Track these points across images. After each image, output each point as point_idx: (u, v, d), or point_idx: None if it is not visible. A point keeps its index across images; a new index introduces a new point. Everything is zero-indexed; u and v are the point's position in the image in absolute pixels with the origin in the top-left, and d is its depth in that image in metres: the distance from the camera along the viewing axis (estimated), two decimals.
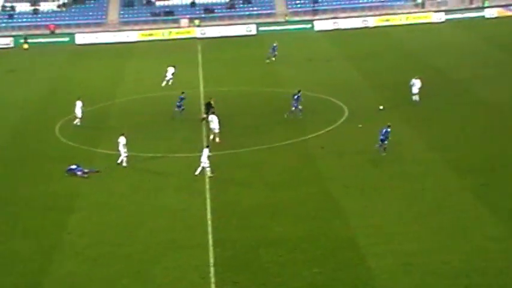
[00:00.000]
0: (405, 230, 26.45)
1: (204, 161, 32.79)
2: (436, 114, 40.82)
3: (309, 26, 76.64)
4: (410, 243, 25.41)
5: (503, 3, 77.38)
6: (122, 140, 35.09)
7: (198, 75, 55.10)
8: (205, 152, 32.99)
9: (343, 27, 75.73)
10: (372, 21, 76.36)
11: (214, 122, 38.17)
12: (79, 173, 33.93)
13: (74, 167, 34.23)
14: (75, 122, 42.80)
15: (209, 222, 28.26)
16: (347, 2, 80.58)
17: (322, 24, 76.63)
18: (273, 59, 58.78)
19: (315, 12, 79.57)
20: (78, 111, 42.45)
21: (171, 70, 51.78)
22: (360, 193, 30.34)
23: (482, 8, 77.20)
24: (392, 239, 25.79)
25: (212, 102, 41.14)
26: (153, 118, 44.11)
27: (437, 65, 53.45)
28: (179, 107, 42.85)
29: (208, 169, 32.90)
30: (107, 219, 29.15)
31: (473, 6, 78.28)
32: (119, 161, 35.21)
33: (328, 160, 34.82)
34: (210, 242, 26.48)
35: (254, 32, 75.89)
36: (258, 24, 76.83)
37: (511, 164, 32.16)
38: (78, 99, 42.99)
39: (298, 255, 25.05)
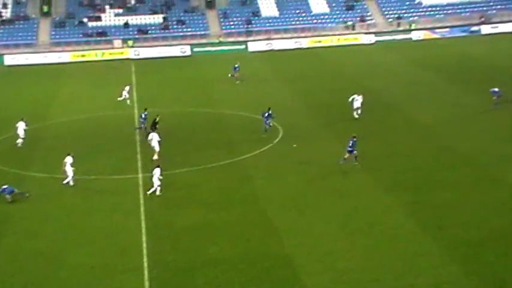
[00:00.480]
0: (339, 248, 26.71)
1: (156, 181, 32.66)
2: (368, 133, 41.56)
3: (243, 47, 77.23)
4: (344, 261, 25.67)
5: (428, 27, 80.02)
6: (69, 160, 34.61)
7: (132, 96, 54.54)
8: (157, 171, 32.88)
9: (276, 48, 76.64)
10: (305, 43, 77.60)
11: (154, 140, 38.05)
12: (8, 195, 32.85)
13: (5, 186, 33.17)
14: (17, 142, 41.75)
15: (144, 244, 27.83)
16: (280, 24, 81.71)
17: (255, 45, 77.37)
18: (237, 82, 58.22)
19: (249, 33, 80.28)
20: (21, 132, 41.78)
21: (127, 88, 52.08)
22: (295, 212, 30.51)
23: (410, 30, 79.59)
24: (326, 257, 25.99)
25: (157, 119, 41.53)
26: (87, 139, 43.34)
27: (368, 85, 54.63)
28: (143, 123, 42.70)
29: (158, 188, 32.73)
30: (38, 244, 28.31)
31: (401, 29, 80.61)
32: (65, 182, 34.50)
33: (264, 180, 34.94)
34: (145, 264, 26.06)
35: (188, 53, 75.92)
36: (192, 45, 76.91)
37: (440, 181, 33.01)
38: (22, 119, 42.33)
39: (234, 276, 24.93)
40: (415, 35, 78.49)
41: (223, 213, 30.78)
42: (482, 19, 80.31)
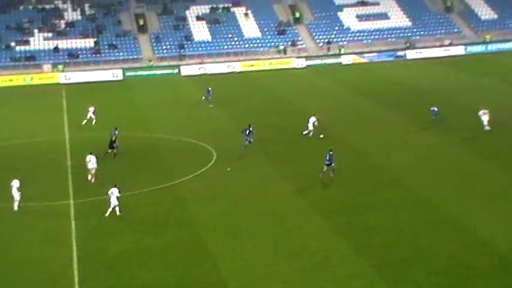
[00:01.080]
0: (273, 271, 26.82)
1: (114, 201, 32.54)
2: (301, 156, 42.12)
3: (176, 71, 77.17)
4: (278, 283, 25.78)
5: (357, 51, 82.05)
6: (16, 184, 33.92)
7: (63, 121, 53.56)
8: (115, 191, 32.78)
9: (209, 72, 76.92)
10: (238, 67, 78.20)
11: (92, 161, 37.86)
12: None
13: None
14: None
15: (75, 272, 27.22)
16: (212, 48, 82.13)
17: (188, 69, 77.43)
18: (210, 105, 57.93)
19: (182, 57, 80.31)
20: None
21: (91, 109, 51.78)
22: (230, 236, 30.51)
23: (339, 55, 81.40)
24: (260, 281, 26.05)
25: (114, 137, 42.58)
26: (17, 166, 42.17)
27: (300, 108, 55.39)
28: (112, 146, 42.85)
29: (117, 208, 32.61)
30: None
31: (331, 53, 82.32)
32: (15, 208, 33.56)
33: (199, 204, 34.84)
34: None
35: (120, 77, 75.28)
36: (124, 70, 76.31)
37: (371, 203, 33.68)
38: None
39: None
40: (345, 59, 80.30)
41: (158, 238, 30.48)
42: (408, 44, 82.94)
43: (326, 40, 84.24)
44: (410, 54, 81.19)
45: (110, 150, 42.67)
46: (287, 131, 48.43)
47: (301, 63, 79.30)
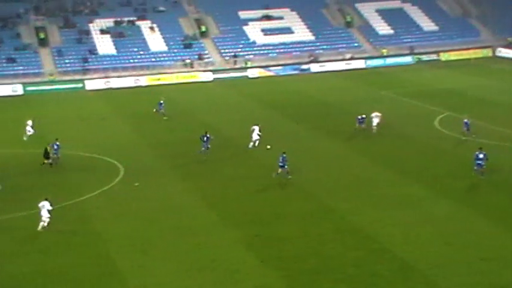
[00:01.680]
0: (182, 286, 26.75)
1: (45, 214, 32.39)
2: (211, 170, 42.21)
3: (80, 85, 75.59)
4: None
5: (263, 65, 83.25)
6: None
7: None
8: (46, 204, 32.62)
9: (115, 86, 75.84)
10: (144, 81, 77.52)
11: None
12: None
13: None
14: None
15: None
16: (118, 62, 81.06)
17: (93, 84, 76.04)
18: (165, 118, 57.10)
19: (86, 71, 78.77)
20: None
21: (29, 123, 51.00)
22: (138, 252, 30.16)
23: (246, 68, 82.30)
24: None
25: (48, 148, 43.78)
26: None
27: (208, 121, 55.58)
28: (55, 154, 43.80)
29: (47, 221, 32.47)
30: None
31: (237, 66, 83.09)
32: None
33: (105, 220, 34.25)
34: None
35: (20, 92, 73.05)
36: (25, 84, 73.99)
37: (280, 214, 34.21)
38: None
39: None
40: (251, 73, 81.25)
41: (64, 257, 29.72)
42: (311, 58, 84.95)
43: (232, 54, 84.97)
44: (314, 67, 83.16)
45: (46, 161, 43.42)
46: (195, 145, 48.43)
47: (208, 76, 79.58)
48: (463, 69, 77.61)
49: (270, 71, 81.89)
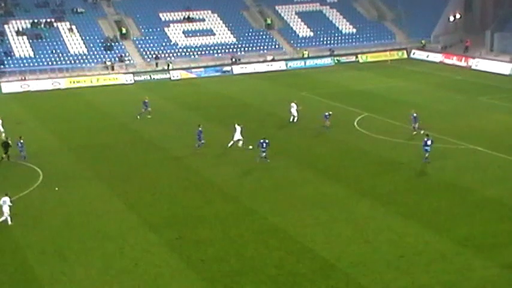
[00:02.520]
0: None
1: (6, 210, 33.06)
2: (130, 173, 41.59)
3: None
4: None
5: (185, 66, 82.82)
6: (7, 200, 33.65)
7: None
8: (7, 199, 33.32)
9: (33, 89, 73.65)
10: (63, 83, 75.63)
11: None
12: None
13: None
14: None
15: None
16: (35, 64, 78.74)
17: (9, 87, 73.60)
18: (149, 116, 56.50)
19: (1, 74, 76.12)
20: None
21: None
22: (57, 258, 29.38)
23: (168, 70, 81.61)
24: None
25: (9, 141, 44.90)
26: None
27: (129, 123, 54.80)
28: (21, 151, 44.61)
29: (9, 218, 33.10)
30: None
31: (159, 69, 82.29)
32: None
33: (23, 227, 33.16)
34: None
35: None
36: None
37: (202, 217, 34.07)
38: None
39: None
40: (173, 75, 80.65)
41: None
42: (233, 60, 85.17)
43: (154, 56, 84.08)
44: (236, 69, 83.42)
45: (4, 155, 44.49)
46: (116, 148, 47.67)
47: (129, 79, 78.45)
48: (380, 70, 79.72)
49: (192, 73, 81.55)
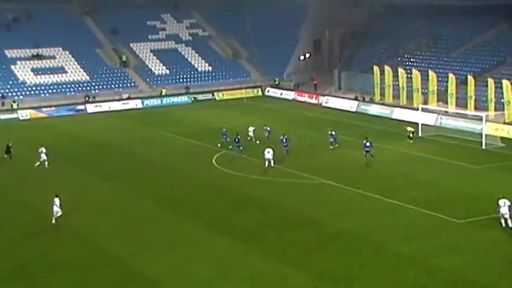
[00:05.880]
0: None
1: (57, 210, 36.65)
2: None
3: None
4: None
5: (34, 106, 79.84)
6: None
7: None
8: (57, 201, 36.60)
9: None
10: None
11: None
12: None
13: None
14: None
15: None
16: None
17: None
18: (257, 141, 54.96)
19: None
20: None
21: None
22: None
23: (16, 109, 78.23)
24: None
25: (10, 144, 51.26)
26: None
27: None
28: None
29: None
30: None
31: (4, 108, 78.69)
32: None
33: None
34: None
35: None
36: None
37: (55, 263, 32.58)
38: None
39: None
40: (22, 114, 77.42)
41: None
42: (87, 98, 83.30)
43: (0, 95, 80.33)
44: (90, 108, 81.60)
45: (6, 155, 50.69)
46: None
47: None
48: (237, 108, 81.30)
49: (42, 112, 78.69)
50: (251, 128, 59.71)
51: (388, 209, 40.05)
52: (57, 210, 37.93)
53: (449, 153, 54.22)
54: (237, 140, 55.04)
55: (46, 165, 51.86)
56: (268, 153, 50.57)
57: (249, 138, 58.67)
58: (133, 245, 34.93)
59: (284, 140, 54.52)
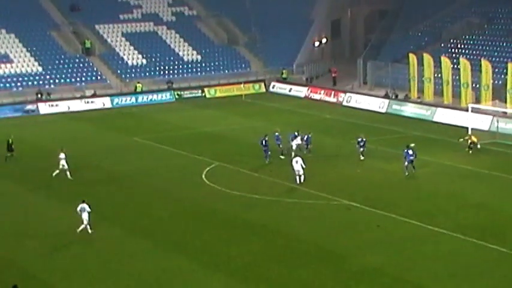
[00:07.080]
0: None
1: (85, 217, 40.24)
2: None
3: None
4: None
5: None
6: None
7: None
8: (85, 207, 40.08)
9: None
10: None
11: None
12: None
13: None
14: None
15: None
16: None
17: None
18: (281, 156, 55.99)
19: None
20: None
21: None
22: None
23: None
24: None
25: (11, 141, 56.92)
26: None
27: None
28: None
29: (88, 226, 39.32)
30: None
31: None
32: None
33: None
34: None
35: None
36: None
37: None
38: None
39: None
40: None
41: None
42: (40, 96, 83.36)
43: None
44: (44, 108, 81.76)
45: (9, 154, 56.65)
46: None
47: None
48: (233, 108, 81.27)
49: None
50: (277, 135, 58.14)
51: (428, 239, 39.96)
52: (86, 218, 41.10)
53: (509, 166, 54.19)
54: (264, 142, 55.57)
55: (69, 176, 52.56)
56: (297, 163, 49.99)
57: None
58: (103, 285, 34.88)
59: (306, 138, 57.46)
